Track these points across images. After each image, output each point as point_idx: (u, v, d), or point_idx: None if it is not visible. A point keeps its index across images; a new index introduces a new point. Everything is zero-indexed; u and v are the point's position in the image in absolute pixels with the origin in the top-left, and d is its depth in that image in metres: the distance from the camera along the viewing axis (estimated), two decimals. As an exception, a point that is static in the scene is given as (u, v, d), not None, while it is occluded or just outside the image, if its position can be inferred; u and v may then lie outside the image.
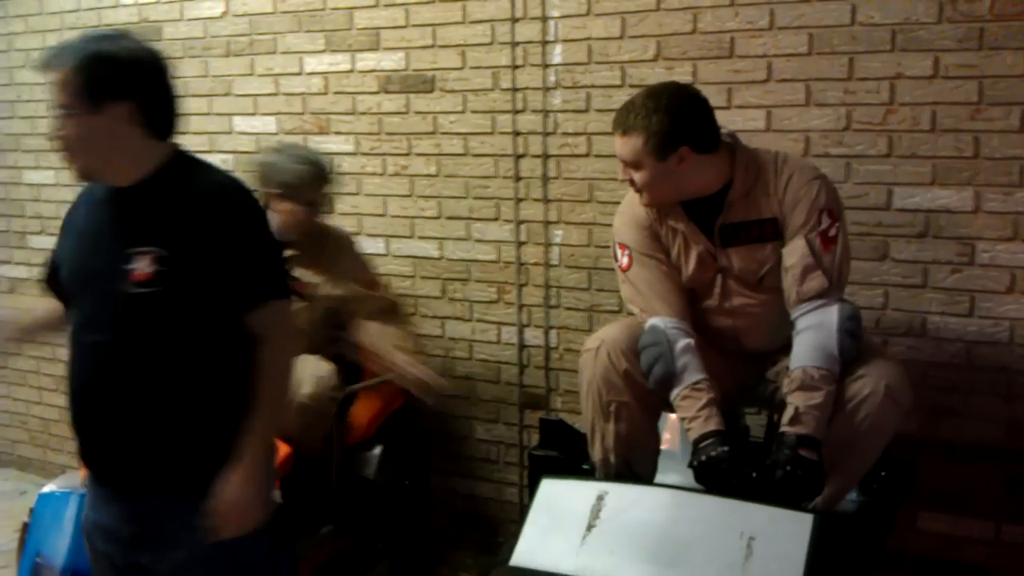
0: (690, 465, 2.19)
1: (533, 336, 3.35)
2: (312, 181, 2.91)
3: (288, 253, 2.92)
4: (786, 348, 2.25)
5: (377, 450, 3.07)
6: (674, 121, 2.22)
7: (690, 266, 2.36)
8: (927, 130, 2.67)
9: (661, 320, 2.30)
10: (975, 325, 2.70)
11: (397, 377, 2.89)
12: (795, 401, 2.13)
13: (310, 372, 2.78)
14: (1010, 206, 2.62)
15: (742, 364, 2.43)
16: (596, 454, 2.39)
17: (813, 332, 2.19)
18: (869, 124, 2.73)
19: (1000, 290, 2.66)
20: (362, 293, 2.98)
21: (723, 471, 2.13)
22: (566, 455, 2.64)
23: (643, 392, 2.31)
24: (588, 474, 2.47)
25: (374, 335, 2.91)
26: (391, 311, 3.01)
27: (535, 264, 3.29)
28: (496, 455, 3.45)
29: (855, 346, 2.18)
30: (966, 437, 2.75)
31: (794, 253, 2.24)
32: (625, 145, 2.26)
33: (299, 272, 2.96)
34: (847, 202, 2.75)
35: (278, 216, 2.90)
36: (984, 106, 2.60)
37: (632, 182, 2.30)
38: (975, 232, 2.67)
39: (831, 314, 2.19)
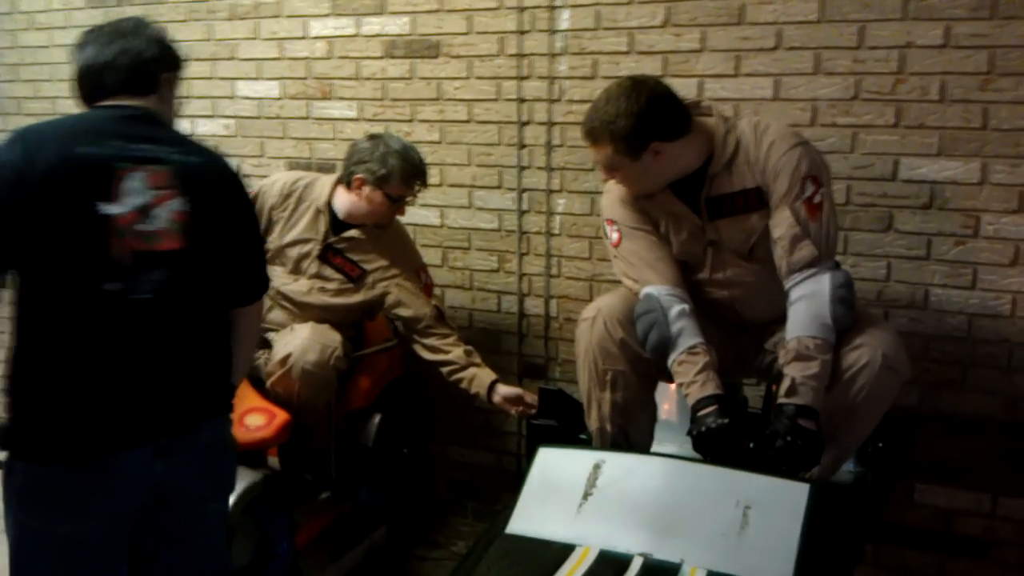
0: (689, 433, 2.18)
1: (533, 305, 3.34)
2: (408, 178, 2.89)
3: (352, 233, 2.93)
4: (783, 319, 2.24)
5: (376, 418, 3.08)
6: (638, 122, 2.21)
7: (680, 239, 2.36)
8: (936, 100, 2.65)
9: (655, 288, 2.30)
10: (977, 298, 2.69)
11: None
12: (791, 372, 2.12)
13: (318, 340, 2.77)
14: (1017, 178, 2.60)
15: (740, 335, 2.42)
16: (592, 423, 2.39)
17: (806, 302, 2.18)
18: (878, 93, 2.70)
19: (1004, 263, 2.64)
20: (411, 298, 2.96)
21: (722, 443, 2.13)
22: (565, 424, 2.64)
23: (639, 361, 2.31)
24: (586, 443, 2.47)
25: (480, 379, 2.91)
26: (440, 320, 2.98)
27: (536, 233, 3.27)
28: (495, 424, 3.45)
29: (849, 313, 2.17)
30: (965, 410, 2.75)
31: (781, 224, 2.23)
32: (598, 154, 2.30)
33: (356, 257, 2.95)
34: (853, 172, 2.75)
35: (360, 201, 2.89)
36: (994, 76, 2.58)
37: (612, 179, 2.34)
38: (980, 204, 2.64)
39: (823, 283, 2.18)
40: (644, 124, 2.21)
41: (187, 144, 1.91)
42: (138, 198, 1.77)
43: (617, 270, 2.44)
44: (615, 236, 2.41)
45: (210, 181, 1.89)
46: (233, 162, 2.00)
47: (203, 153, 1.92)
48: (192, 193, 1.84)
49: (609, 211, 2.44)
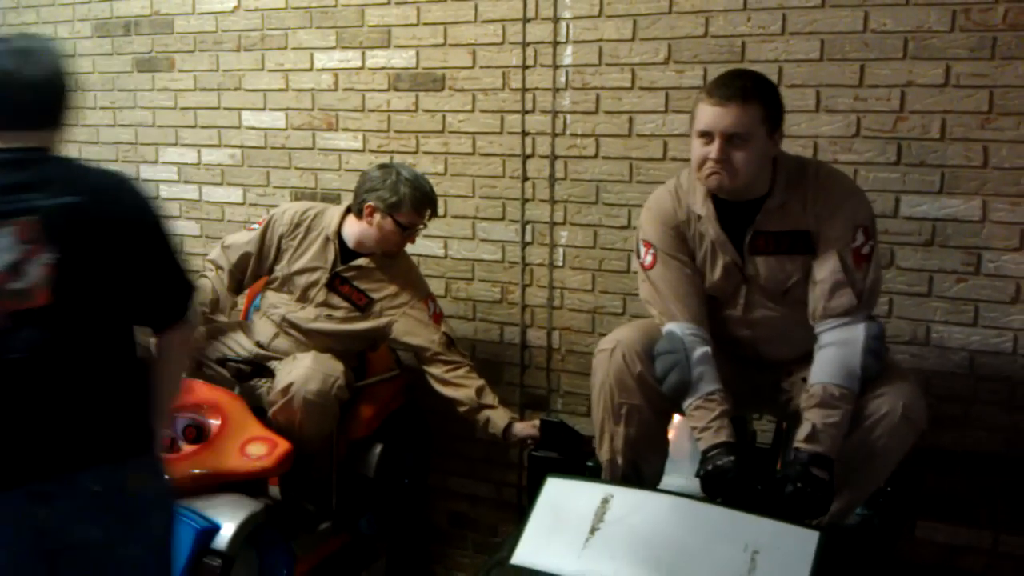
0: (697, 475, 2.18)
1: (535, 337, 3.34)
2: (418, 206, 2.92)
3: (361, 262, 2.95)
4: (802, 358, 2.22)
5: (377, 448, 3.06)
6: (781, 99, 2.23)
7: (715, 273, 2.32)
8: (936, 138, 2.67)
9: (679, 326, 2.26)
10: (979, 335, 2.70)
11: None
12: (812, 418, 2.10)
13: (320, 369, 2.77)
14: (1017, 216, 2.62)
15: (757, 373, 2.40)
16: (603, 455, 2.37)
17: (837, 349, 2.15)
18: (879, 131, 2.73)
19: (1005, 300, 2.66)
20: (419, 327, 2.96)
21: (729, 480, 2.11)
22: (566, 456, 2.64)
23: (655, 396, 2.28)
24: (594, 472, 2.46)
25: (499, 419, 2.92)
26: (449, 347, 2.98)
27: (539, 265, 3.29)
28: (495, 456, 3.44)
29: (878, 365, 2.15)
30: (967, 446, 2.75)
31: (825, 267, 2.20)
32: (743, 115, 2.13)
33: (364, 286, 2.96)
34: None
35: (371, 229, 2.91)
36: (994, 116, 2.60)
37: (722, 162, 2.16)
38: (982, 242, 2.66)
39: (857, 332, 2.15)
40: (782, 104, 2.24)
41: (66, 181, 1.77)
42: (8, 255, 1.70)
43: (643, 294, 2.39)
44: (649, 259, 2.35)
45: (85, 221, 1.75)
46: (127, 180, 1.87)
47: (83, 188, 1.77)
48: (61, 240, 1.72)
49: (648, 232, 2.37)
